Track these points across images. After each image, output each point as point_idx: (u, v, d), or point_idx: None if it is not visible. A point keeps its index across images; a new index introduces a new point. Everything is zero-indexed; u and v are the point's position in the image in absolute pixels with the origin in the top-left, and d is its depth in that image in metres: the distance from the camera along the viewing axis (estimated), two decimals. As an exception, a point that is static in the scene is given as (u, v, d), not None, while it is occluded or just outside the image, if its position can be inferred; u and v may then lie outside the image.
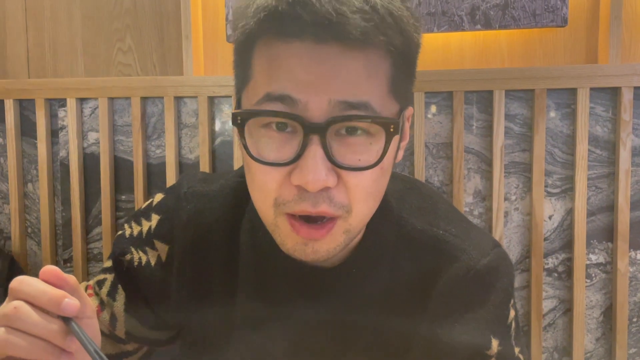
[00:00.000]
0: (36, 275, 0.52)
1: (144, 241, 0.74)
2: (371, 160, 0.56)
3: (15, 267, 1.36)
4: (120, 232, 0.78)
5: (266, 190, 0.58)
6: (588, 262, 1.24)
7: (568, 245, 1.25)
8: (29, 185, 1.42)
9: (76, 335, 0.50)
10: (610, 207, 1.24)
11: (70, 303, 0.50)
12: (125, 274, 0.75)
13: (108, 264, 0.78)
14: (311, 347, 0.69)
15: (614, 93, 1.21)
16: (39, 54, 1.46)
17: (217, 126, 1.34)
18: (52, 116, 1.40)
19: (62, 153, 1.39)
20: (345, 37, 0.52)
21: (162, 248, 0.74)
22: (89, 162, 1.38)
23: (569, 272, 1.25)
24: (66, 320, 0.50)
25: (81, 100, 1.37)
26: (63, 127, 1.39)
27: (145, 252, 0.74)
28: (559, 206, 1.25)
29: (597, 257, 1.25)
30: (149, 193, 1.36)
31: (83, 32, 1.44)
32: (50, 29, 1.45)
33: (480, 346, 0.64)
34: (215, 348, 0.74)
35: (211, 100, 1.32)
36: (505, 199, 1.25)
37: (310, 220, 0.57)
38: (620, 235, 1.21)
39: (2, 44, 1.47)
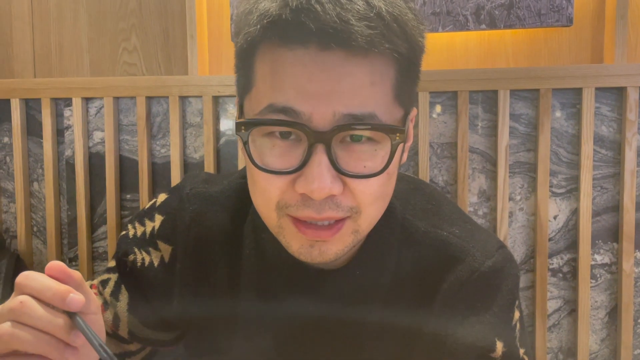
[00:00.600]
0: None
1: (147, 242, 0.74)
2: (377, 168, 0.55)
3: (21, 266, 1.36)
4: (124, 233, 0.78)
5: (268, 196, 0.57)
6: (593, 263, 1.24)
7: (573, 245, 1.24)
8: (35, 184, 1.43)
9: (81, 329, 0.51)
10: (616, 208, 1.23)
11: (75, 298, 0.50)
12: (129, 275, 0.75)
13: (112, 264, 0.78)
14: (315, 348, 0.69)
15: (620, 93, 1.21)
16: (44, 54, 1.47)
17: (222, 125, 1.34)
18: (58, 116, 1.40)
19: (68, 152, 1.40)
20: (350, 44, 0.51)
21: (166, 249, 0.74)
22: (95, 161, 1.39)
23: (573, 273, 1.25)
24: (71, 315, 0.51)
25: (87, 100, 1.38)
26: (69, 127, 1.40)
27: (148, 253, 0.74)
28: (564, 206, 1.24)
29: (602, 258, 1.24)
30: (153, 192, 1.36)
31: (89, 32, 1.45)
32: (56, 29, 1.46)
33: (485, 348, 0.64)
34: (220, 349, 0.74)
35: (216, 99, 1.32)
36: (510, 199, 1.24)
37: (317, 223, 0.57)
38: (626, 235, 1.20)
39: (8, 44, 1.48)
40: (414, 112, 0.63)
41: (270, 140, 0.56)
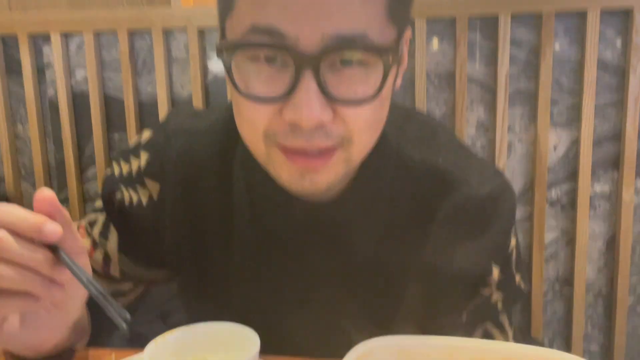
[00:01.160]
0: None
1: (134, 180, 0.72)
2: (369, 92, 0.52)
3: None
4: (108, 171, 0.75)
5: (255, 125, 0.54)
6: (592, 193, 1.22)
7: (572, 175, 1.22)
8: (19, 126, 1.39)
9: (66, 264, 0.49)
10: (617, 136, 1.20)
11: (52, 227, 0.47)
12: (117, 213, 0.74)
13: (99, 203, 0.76)
14: (310, 280, 0.68)
15: (626, 16, 1.15)
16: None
17: (209, 60, 1.28)
18: (37, 53, 1.34)
19: (50, 92, 1.35)
20: None
21: (154, 186, 0.72)
22: (79, 101, 1.34)
23: (572, 204, 1.23)
24: (55, 250, 0.49)
25: (66, 36, 1.31)
26: (49, 65, 1.33)
27: (136, 191, 0.72)
28: (565, 136, 1.21)
29: (601, 187, 1.22)
30: (142, 131, 1.32)
31: (63, -39, 1.36)
32: (27, -42, 1.37)
33: (481, 273, 0.64)
34: (214, 284, 0.73)
35: (202, 33, 1.26)
36: (509, 130, 1.21)
37: (306, 152, 0.54)
38: (627, 164, 1.18)
39: (-21, -23, 1.40)
40: (408, 32, 0.59)
41: (256, 66, 0.52)
